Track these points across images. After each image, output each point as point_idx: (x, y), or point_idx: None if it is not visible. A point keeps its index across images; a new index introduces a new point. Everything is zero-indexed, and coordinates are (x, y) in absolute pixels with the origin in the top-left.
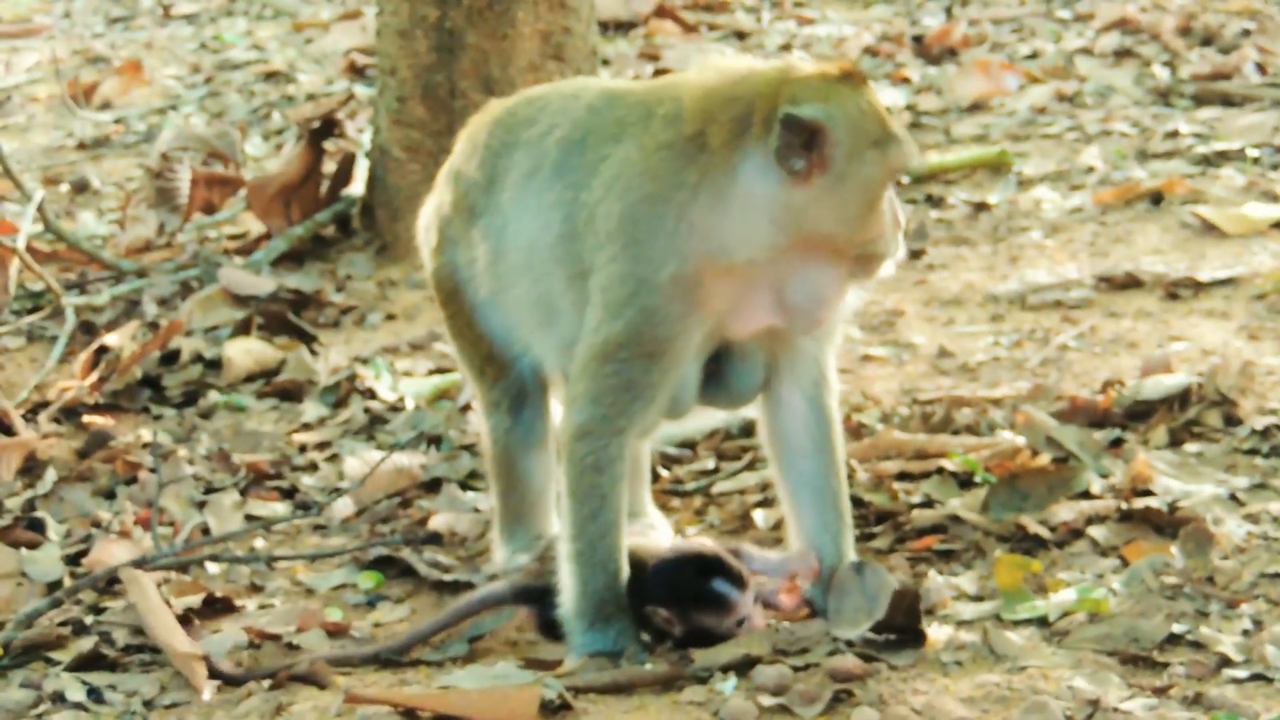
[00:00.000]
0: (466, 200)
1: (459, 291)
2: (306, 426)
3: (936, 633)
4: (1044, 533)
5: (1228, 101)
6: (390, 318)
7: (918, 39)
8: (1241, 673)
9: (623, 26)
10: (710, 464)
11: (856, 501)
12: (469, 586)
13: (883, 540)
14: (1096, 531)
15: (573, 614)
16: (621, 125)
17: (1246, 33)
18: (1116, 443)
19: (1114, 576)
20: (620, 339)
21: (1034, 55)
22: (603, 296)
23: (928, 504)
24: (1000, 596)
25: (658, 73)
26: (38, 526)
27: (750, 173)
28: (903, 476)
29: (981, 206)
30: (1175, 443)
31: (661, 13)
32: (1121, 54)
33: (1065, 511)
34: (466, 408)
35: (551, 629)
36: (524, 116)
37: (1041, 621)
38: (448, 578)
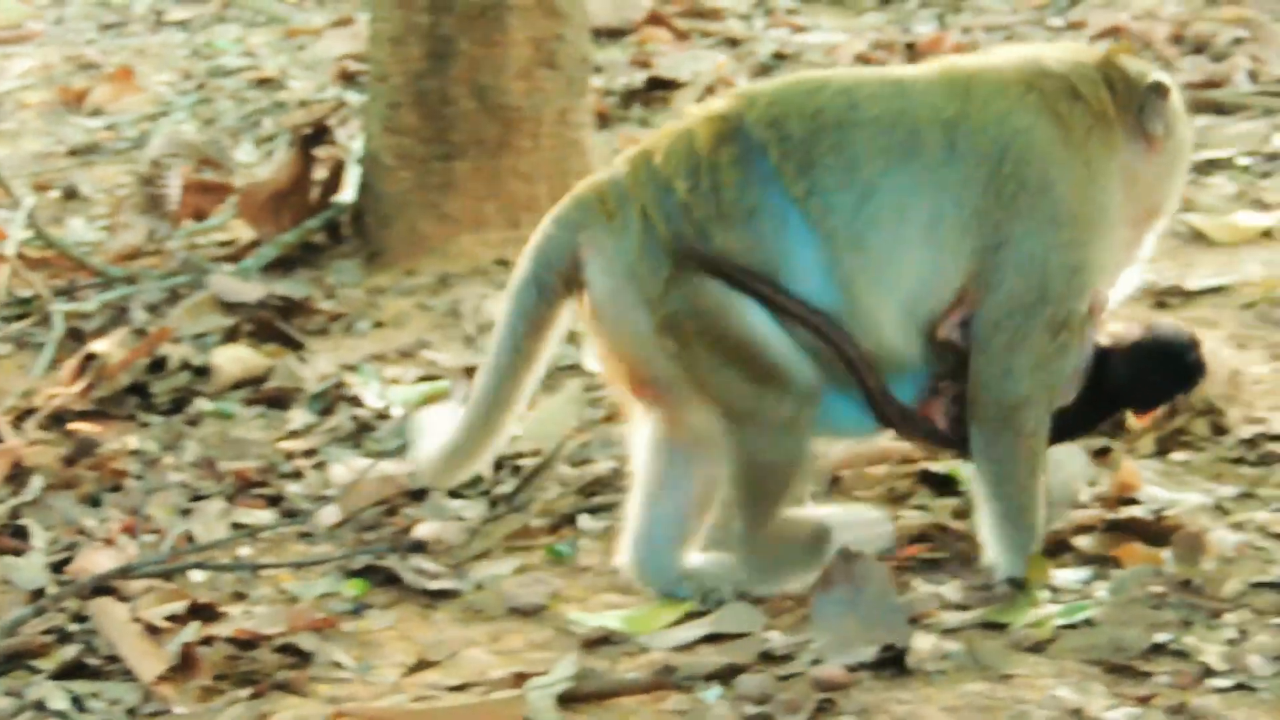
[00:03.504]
0: (724, 208)
1: (729, 307)
2: (294, 434)
3: (921, 641)
4: None
5: (1219, 110)
6: (379, 325)
7: (910, 46)
8: (1225, 682)
9: (615, 33)
10: None
11: None
12: (455, 595)
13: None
14: (1082, 540)
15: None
16: (1007, 104)
17: (1239, 41)
18: (1103, 451)
19: (1099, 585)
20: (1074, 317)
21: None
22: (1065, 276)
23: (915, 512)
24: (991, 603)
25: (651, 80)
26: (22, 534)
27: (1127, 145)
28: (889, 484)
29: None
30: (1162, 451)
31: (654, 20)
32: None
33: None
34: None
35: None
36: (820, 103)
37: (1025, 630)
38: (434, 586)
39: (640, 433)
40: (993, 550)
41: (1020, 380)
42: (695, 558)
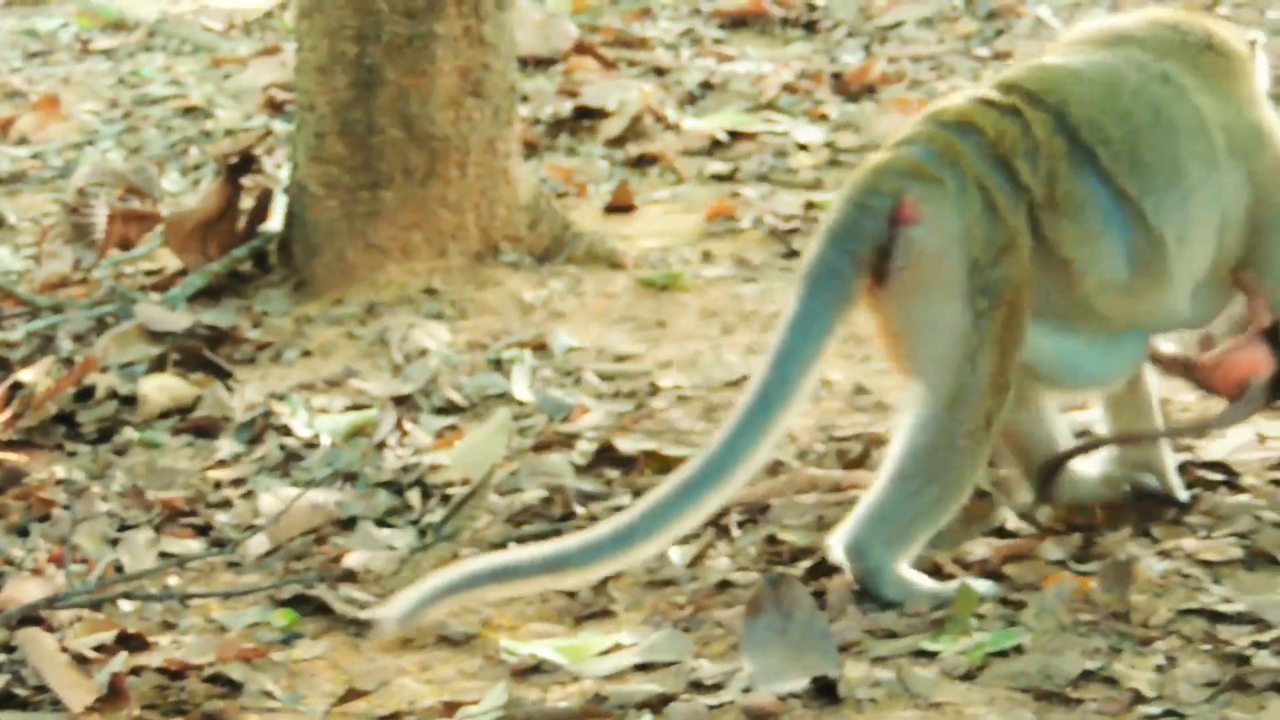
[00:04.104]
0: (1056, 197)
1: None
2: (222, 463)
3: (851, 670)
4: (957, 570)
5: None
6: (306, 354)
7: (836, 76)
8: (1154, 709)
9: (542, 63)
10: (626, 500)
11: (771, 539)
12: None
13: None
14: (1013, 568)
15: None
16: (1236, 104)
17: None
18: None
19: (1030, 613)
20: None
21: (952, 93)
22: None
23: None
24: (930, 627)
25: (578, 109)
26: None
27: None
28: (819, 512)
29: None
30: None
31: (581, 49)
32: None
33: (981, 548)
34: (383, 445)
35: None
36: (1126, 106)
37: (956, 658)
38: (363, 615)
39: None
40: None
41: None
42: None
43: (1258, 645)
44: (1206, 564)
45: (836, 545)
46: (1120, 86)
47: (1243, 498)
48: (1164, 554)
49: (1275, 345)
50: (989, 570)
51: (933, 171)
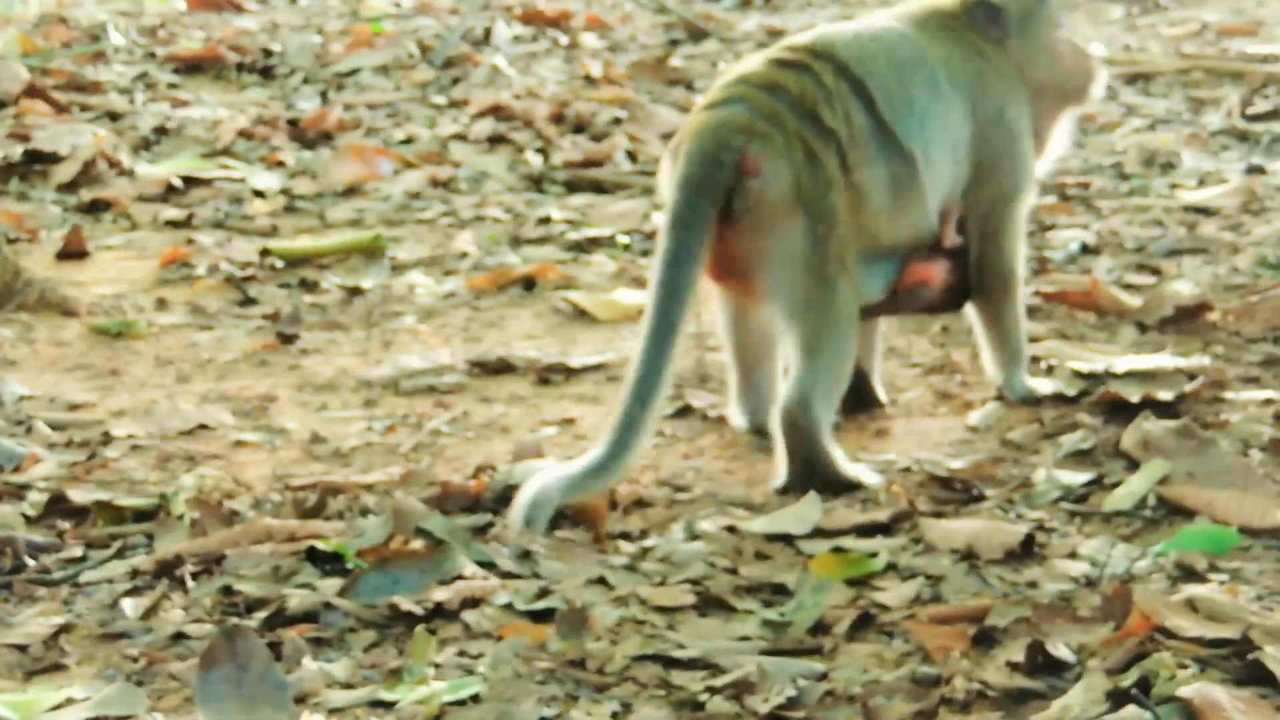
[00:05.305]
0: (853, 133)
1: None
2: None
3: None
4: (417, 611)
5: (599, 188)
6: None
7: (293, 123)
8: None
9: None
10: (78, 552)
11: (227, 590)
12: None
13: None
14: (470, 615)
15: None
16: (960, 49)
17: (617, 121)
18: (487, 527)
19: (486, 661)
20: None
21: (409, 140)
22: (1026, 176)
23: (300, 590)
24: (387, 677)
25: (29, 153)
26: None
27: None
28: (274, 562)
29: (355, 291)
30: (553, 529)
31: (32, 92)
32: (495, 140)
33: (439, 594)
34: None
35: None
36: (880, 48)
37: (412, 708)
38: None
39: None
40: (999, 376)
41: (1014, 251)
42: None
43: (711, 690)
44: (661, 610)
45: (774, 414)
46: (865, 34)
47: (697, 545)
48: (619, 601)
49: (953, 264)
50: (447, 613)
51: (763, 129)
